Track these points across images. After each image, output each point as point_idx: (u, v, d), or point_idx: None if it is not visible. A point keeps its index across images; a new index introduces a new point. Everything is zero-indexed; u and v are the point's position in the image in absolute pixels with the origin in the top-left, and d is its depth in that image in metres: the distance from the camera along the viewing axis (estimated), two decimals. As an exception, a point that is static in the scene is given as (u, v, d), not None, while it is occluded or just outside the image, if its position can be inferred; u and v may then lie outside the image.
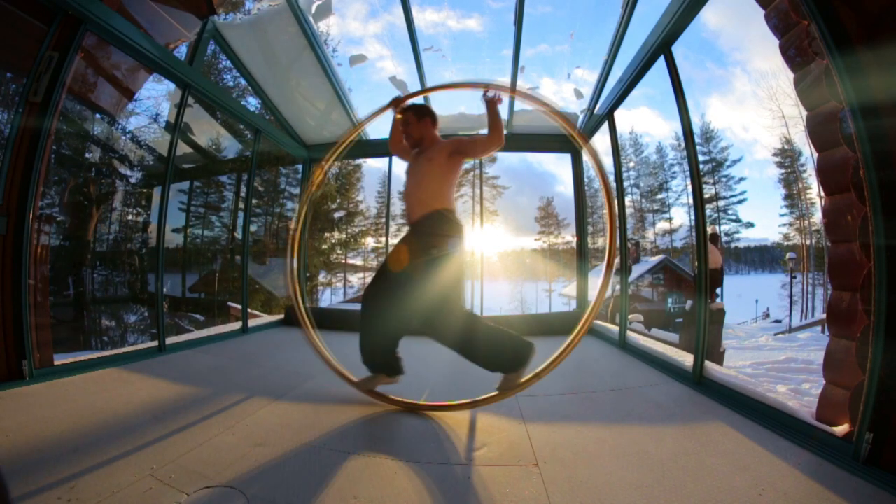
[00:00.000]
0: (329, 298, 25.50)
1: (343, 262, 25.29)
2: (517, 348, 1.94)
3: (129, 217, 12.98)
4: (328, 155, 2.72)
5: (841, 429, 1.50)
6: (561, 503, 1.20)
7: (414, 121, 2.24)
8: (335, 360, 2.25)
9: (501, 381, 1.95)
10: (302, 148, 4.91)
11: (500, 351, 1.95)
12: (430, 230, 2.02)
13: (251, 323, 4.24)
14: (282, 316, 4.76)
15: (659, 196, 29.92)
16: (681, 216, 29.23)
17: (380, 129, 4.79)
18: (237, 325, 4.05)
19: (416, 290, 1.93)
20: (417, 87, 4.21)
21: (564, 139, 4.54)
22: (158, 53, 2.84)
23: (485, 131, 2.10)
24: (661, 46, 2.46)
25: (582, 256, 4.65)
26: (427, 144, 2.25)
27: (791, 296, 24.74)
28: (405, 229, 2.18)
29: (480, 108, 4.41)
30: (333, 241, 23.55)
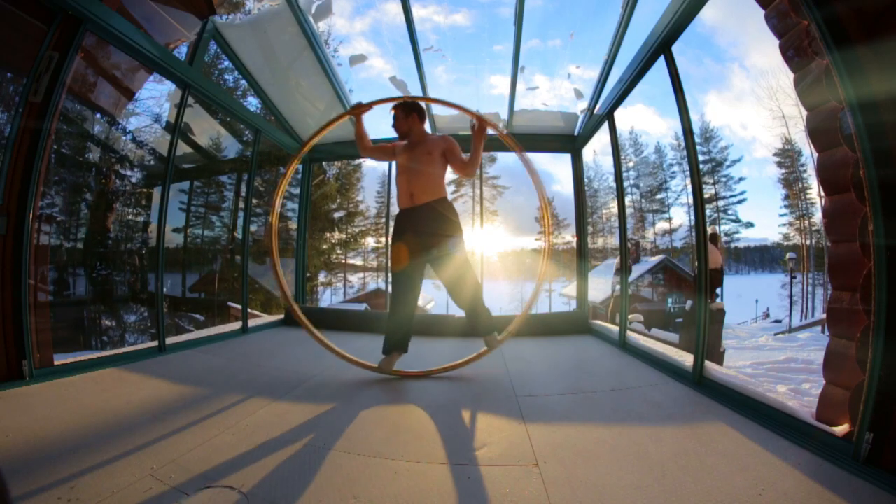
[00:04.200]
0: (329, 298, 25.51)
1: (343, 262, 25.30)
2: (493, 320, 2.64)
3: (129, 217, 12.99)
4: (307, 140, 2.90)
5: (841, 429, 1.50)
6: (561, 503, 1.20)
7: (401, 116, 2.56)
8: (347, 353, 2.61)
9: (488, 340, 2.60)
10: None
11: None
12: (438, 217, 2.44)
13: (251, 323, 4.24)
14: (282, 316, 4.76)
15: (658, 196, 29.95)
16: (680, 216, 29.26)
17: (380, 129, 4.79)
18: (237, 325, 4.05)
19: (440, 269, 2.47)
20: (418, 87, 4.21)
21: (564, 139, 4.54)
22: (158, 53, 2.84)
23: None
24: (661, 46, 2.46)
25: (582, 256, 4.65)
26: (417, 138, 2.56)
27: (791, 296, 24.75)
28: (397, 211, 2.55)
29: (479, 108, 4.41)
30: (333, 241, 23.55)
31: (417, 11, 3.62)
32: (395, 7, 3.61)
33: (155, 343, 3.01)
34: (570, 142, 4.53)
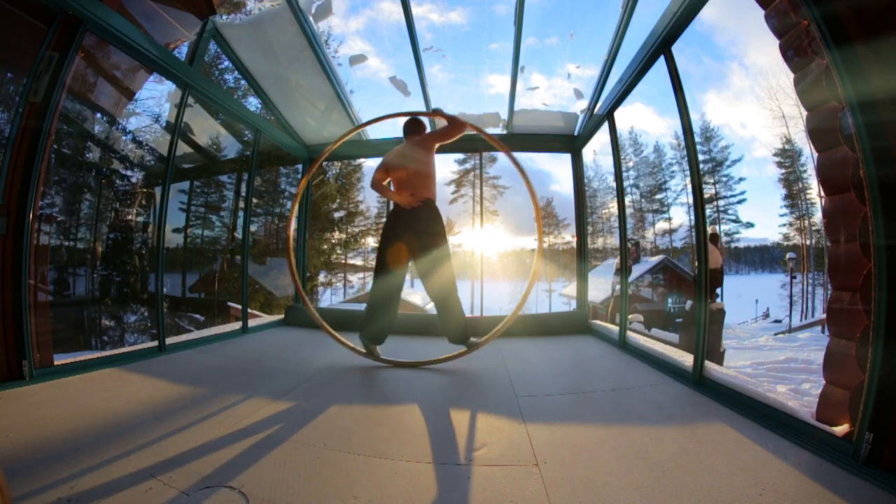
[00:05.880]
0: (329, 298, 25.49)
1: (343, 262, 25.27)
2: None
3: (129, 217, 12.98)
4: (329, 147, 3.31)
5: (841, 429, 1.50)
6: (561, 503, 1.20)
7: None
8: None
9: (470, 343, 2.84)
10: (302, 148, 4.91)
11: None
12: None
13: (251, 323, 4.24)
14: (282, 316, 4.76)
15: (658, 196, 29.93)
16: (680, 216, 29.23)
17: (380, 128, 4.78)
18: (237, 325, 4.05)
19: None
20: (418, 87, 4.22)
21: (564, 139, 4.54)
22: (158, 53, 2.84)
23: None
24: (661, 46, 2.46)
25: (582, 256, 4.65)
26: None
27: (791, 296, 24.74)
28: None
29: (479, 108, 4.42)
30: (333, 241, 23.54)
31: (413, 10, 3.61)
32: (390, 6, 3.63)
33: (155, 343, 3.01)
34: (570, 142, 4.53)
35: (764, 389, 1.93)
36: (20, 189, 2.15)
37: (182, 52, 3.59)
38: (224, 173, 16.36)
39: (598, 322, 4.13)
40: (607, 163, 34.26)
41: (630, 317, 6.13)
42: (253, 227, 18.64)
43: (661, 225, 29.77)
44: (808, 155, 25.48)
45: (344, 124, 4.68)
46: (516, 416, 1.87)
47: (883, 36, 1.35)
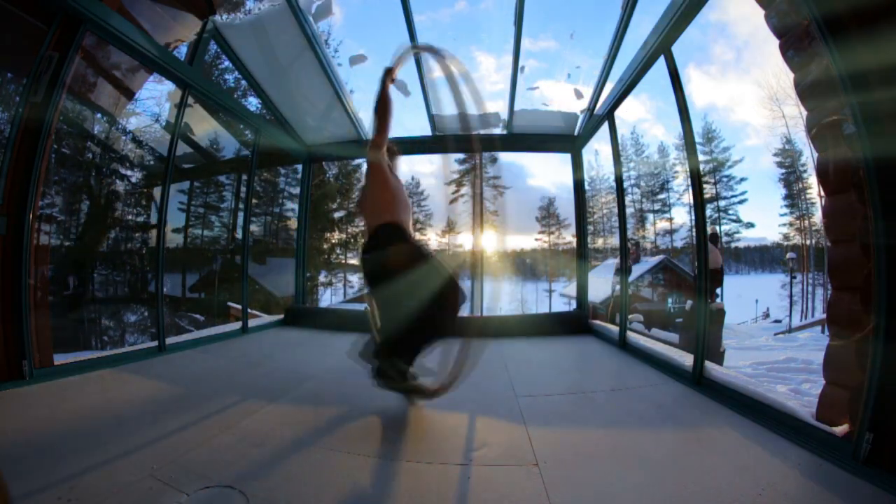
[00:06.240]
0: (329, 298, 25.52)
1: (343, 262, 25.28)
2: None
3: (129, 217, 13.00)
4: None
5: (841, 429, 1.50)
6: (561, 503, 1.20)
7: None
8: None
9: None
10: (302, 148, 4.91)
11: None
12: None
13: (251, 323, 4.23)
14: (281, 316, 4.76)
15: (661, 196, 29.94)
16: (681, 216, 29.25)
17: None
18: (237, 325, 4.05)
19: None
20: (418, 87, 4.20)
21: (564, 139, 4.54)
22: (158, 53, 2.84)
23: None
24: (662, 46, 2.46)
25: (582, 257, 4.65)
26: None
27: (791, 296, 24.75)
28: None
29: (479, 108, 4.40)
30: (334, 241, 23.57)
31: (413, 10, 3.60)
32: (390, 5, 3.57)
33: (155, 343, 3.01)
34: (570, 142, 4.53)
35: (764, 389, 1.93)
36: (20, 189, 2.15)
37: (182, 52, 3.59)
38: (224, 173, 16.37)
39: (598, 322, 4.13)
40: (607, 163, 34.27)
41: (630, 316, 6.13)
42: (253, 227, 18.65)
43: (662, 224, 29.81)
44: (808, 155, 25.49)
45: (344, 124, 4.68)
46: (516, 416, 1.87)
47: (883, 36, 1.35)
